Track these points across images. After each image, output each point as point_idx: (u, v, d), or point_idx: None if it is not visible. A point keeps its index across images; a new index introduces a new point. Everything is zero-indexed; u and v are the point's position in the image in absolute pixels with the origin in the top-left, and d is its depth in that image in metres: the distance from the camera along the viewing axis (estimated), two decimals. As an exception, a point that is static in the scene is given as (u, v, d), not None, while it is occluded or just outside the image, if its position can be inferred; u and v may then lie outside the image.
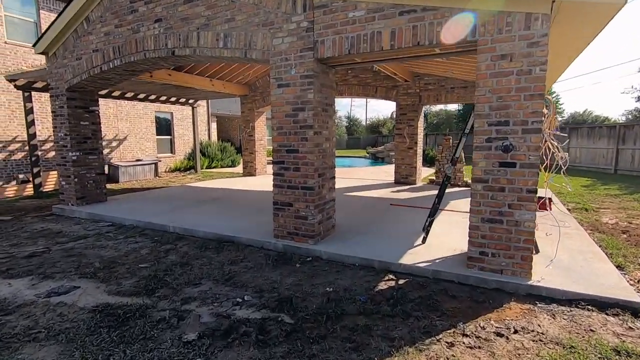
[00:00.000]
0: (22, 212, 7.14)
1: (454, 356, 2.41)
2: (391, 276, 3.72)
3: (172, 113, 15.46)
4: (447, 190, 4.59)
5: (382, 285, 3.51)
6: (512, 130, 3.31)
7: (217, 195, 8.46)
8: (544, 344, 2.53)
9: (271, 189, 4.78)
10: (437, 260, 3.91)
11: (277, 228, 4.75)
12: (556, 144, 3.91)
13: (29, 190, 9.46)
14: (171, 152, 15.64)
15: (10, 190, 9.23)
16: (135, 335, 2.65)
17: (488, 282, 3.43)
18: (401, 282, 3.58)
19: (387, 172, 13.22)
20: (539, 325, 2.76)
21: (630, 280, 3.51)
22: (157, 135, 14.85)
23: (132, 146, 13.74)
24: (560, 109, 26.61)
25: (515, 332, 2.68)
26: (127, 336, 2.63)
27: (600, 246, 4.49)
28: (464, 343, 2.56)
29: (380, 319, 2.88)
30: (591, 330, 2.69)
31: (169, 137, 15.55)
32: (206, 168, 15.85)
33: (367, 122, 53.06)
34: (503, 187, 3.39)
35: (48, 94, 9.69)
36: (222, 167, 16.73)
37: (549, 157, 3.92)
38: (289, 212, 4.61)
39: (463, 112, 30.32)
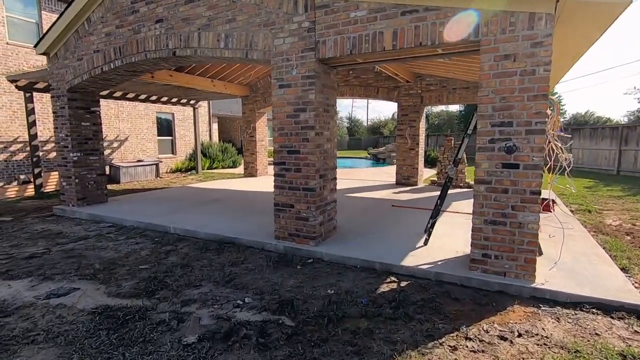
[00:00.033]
0: (23, 213, 7.13)
1: (457, 360, 2.37)
2: (393, 278, 3.68)
3: (173, 114, 15.47)
4: (449, 192, 4.55)
5: (384, 288, 3.47)
6: (516, 131, 3.28)
7: (218, 196, 8.44)
8: (549, 348, 2.49)
9: (272, 190, 4.76)
10: (440, 262, 3.87)
11: (278, 229, 4.72)
12: (560, 145, 3.88)
13: (30, 190, 9.46)
14: (172, 153, 15.65)
15: (12, 191, 9.23)
16: (134, 337, 2.62)
17: (491, 284, 3.39)
18: (403, 284, 3.55)
19: (388, 173, 13.19)
20: (543, 329, 2.72)
21: (636, 283, 3.47)
22: (158, 136, 14.85)
23: (133, 147, 13.74)
24: (562, 109, 26.53)
25: (519, 335, 2.65)
26: (127, 339, 2.61)
27: (604, 248, 4.45)
28: (467, 347, 2.52)
29: (382, 322, 2.85)
30: (596, 334, 2.65)
31: (170, 137, 15.55)
32: (207, 169, 15.84)
33: (369, 122, 53.11)
34: (506, 189, 3.36)
35: (49, 95, 9.70)
36: (223, 168, 16.73)
37: (552, 159, 3.88)
38: (290, 214, 4.59)
39: (465, 113, 30.29)
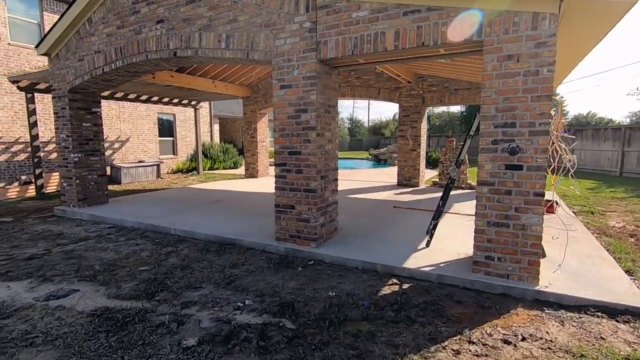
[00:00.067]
0: (24, 214, 7.13)
1: (461, 364, 2.34)
2: (395, 280, 3.65)
3: (174, 114, 15.47)
4: (451, 193, 4.52)
5: (386, 290, 3.44)
6: (519, 132, 3.24)
7: (218, 197, 8.42)
8: (553, 352, 2.45)
9: (273, 191, 4.73)
10: (442, 265, 3.84)
11: (279, 231, 4.69)
12: (564, 146, 3.84)
13: (31, 191, 9.46)
14: (173, 154, 15.65)
15: (13, 192, 9.23)
16: (134, 340, 2.59)
17: (494, 287, 3.35)
18: (405, 286, 3.51)
19: (389, 174, 13.15)
20: (547, 333, 2.68)
21: (640, 285, 3.43)
22: (159, 136, 14.85)
23: (135, 147, 13.74)
24: (564, 110, 26.48)
25: (523, 339, 2.61)
26: (126, 341, 2.58)
27: (608, 250, 4.41)
28: (470, 350, 2.49)
29: (384, 325, 2.81)
30: (601, 337, 2.61)
31: (171, 138, 15.55)
32: (208, 169, 15.83)
33: (370, 123, 53.04)
34: (509, 190, 3.32)
35: (51, 96, 9.71)
36: (224, 168, 16.71)
37: (556, 160, 3.84)
38: (291, 215, 4.56)
39: (466, 114, 30.24)
